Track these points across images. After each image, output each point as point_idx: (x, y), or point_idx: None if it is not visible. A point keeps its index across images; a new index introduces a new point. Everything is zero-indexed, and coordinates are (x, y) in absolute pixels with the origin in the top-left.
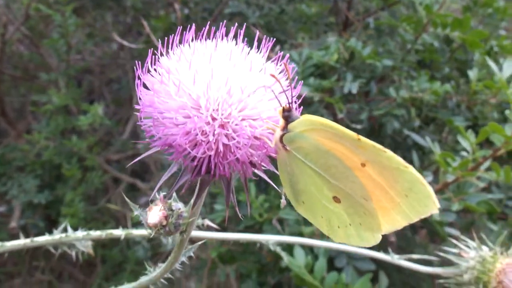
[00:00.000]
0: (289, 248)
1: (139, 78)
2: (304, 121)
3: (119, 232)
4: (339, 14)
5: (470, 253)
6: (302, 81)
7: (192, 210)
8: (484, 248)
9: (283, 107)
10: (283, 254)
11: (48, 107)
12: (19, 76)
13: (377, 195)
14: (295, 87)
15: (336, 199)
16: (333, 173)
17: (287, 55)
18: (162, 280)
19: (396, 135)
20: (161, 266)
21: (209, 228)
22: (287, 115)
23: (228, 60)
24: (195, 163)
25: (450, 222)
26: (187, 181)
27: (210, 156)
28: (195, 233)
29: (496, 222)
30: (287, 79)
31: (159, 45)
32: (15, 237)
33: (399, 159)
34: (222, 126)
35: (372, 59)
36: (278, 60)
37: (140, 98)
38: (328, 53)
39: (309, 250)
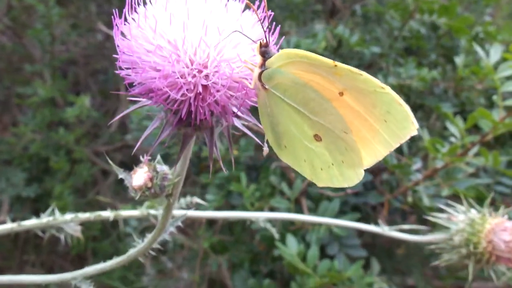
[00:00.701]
0: (281, 237)
1: (116, 26)
2: (281, 55)
3: (107, 214)
4: (326, 1)
5: (459, 217)
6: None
7: (175, 167)
8: (473, 211)
9: (260, 42)
10: (274, 231)
11: (34, 99)
12: (3, 68)
13: (357, 125)
14: (273, 31)
15: (317, 137)
16: (312, 108)
17: (263, 3)
18: (151, 251)
19: None
20: (149, 236)
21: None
22: (264, 51)
23: (204, 3)
24: (175, 107)
25: (439, 207)
26: (170, 133)
27: (190, 99)
28: (184, 212)
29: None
30: (263, 21)
31: None
32: None
33: (375, 80)
34: (200, 68)
35: (360, 47)
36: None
37: (118, 46)
38: (316, 41)
39: (301, 238)
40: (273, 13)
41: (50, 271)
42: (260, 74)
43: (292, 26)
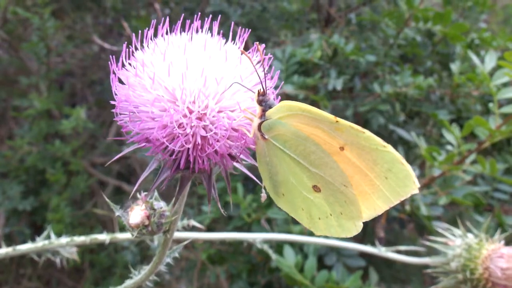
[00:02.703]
0: (278, 248)
1: (114, 73)
2: (282, 107)
3: (103, 237)
4: (320, 11)
5: (456, 241)
6: (284, 80)
7: (173, 208)
8: (470, 235)
9: (258, 91)
10: (271, 252)
11: (30, 111)
12: None
13: (357, 179)
14: (272, 77)
15: (316, 188)
16: (313, 160)
17: (263, 45)
18: (148, 283)
19: (382, 130)
20: (146, 268)
21: (195, 229)
22: (262, 99)
23: (203, 51)
24: (173, 157)
25: (437, 216)
26: (167, 177)
27: (188, 149)
28: (181, 234)
29: (483, 214)
30: (263, 69)
31: (133, 39)
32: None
33: (377, 139)
34: (199, 118)
35: (355, 55)
36: (254, 51)
37: (115, 93)
38: (311, 50)
39: (299, 249)
40: (272, 56)
41: (47, 284)
42: (259, 125)
43: (288, 36)
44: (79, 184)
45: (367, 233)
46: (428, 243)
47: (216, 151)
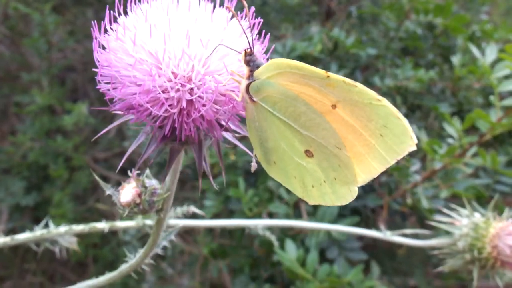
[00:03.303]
0: (280, 242)
1: (95, 38)
2: (270, 65)
3: (102, 225)
4: (321, 4)
5: (462, 221)
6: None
7: (163, 182)
8: (476, 214)
9: (245, 50)
10: (273, 239)
11: (32, 107)
12: (1, 77)
13: (351, 140)
14: (263, 39)
15: (308, 153)
16: (304, 122)
17: (252, 8)
18: (144, 267)
19: None
20: (141, 251)
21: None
22: (249, 59)
23: (188, 12)
24: (158, 124)
25: (439, 209)
26: (154, 148)
27: (174, 116)
28: (181, 221)
29: (485, 206)
30: (251, 31)
31: (116, 3)
32: None
33: (371, 92)
34: (184, 82)
35: (356, 48)
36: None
37: (97, 59)
38: (312, 43)
39: (301, 243)
40: (262, 20)
41: (51, 279)
42: (247, 86)
43: (288, 29)
44: (82, 179)
45: (369, 226)
46: (434, 223)
47: (202, 117)
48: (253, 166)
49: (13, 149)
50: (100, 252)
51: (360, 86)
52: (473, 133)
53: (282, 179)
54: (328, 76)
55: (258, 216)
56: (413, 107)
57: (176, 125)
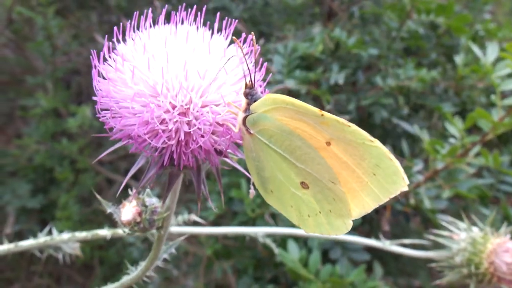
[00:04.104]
0: (283, 242)
1: (95, 67)
2: (266, 100)
3: (105, 232)
4: (323, 5)
5: (460, 235)
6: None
7: (163, 204)
8: (475, 229)
9: (246, 83)
10: (274, 246)
11: (37, 110)
12: (6, 81)
13: (345, 176)
14: (260, 69)
15: (304, 185)
16: (299, 156)
17: (250, 36)
18: (145, 279)
19: (386, 123)
20: (142, 265)
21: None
22: (249, 92)
23: (185, 44)
24: (157, 154)
25: (442, 209)
26: (154, 174)
27: (172, 147)
28: (183, 228)
29: (488, 206)
30: (252, 62)
31: (115, 32)
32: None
33: (364, 133)
34: (182, 113)
35: (357, 49)
36: (243, 43)
37: (96, 88)
38: (313, 44)
39: (303, 243)
40: (259, 48)
41: (58, 281)
42: (244, 119)
43: (291, 30)
44: (87, 182)
45: (373, 227)
46: (432, 237)
47: (201, 147)
48: (251, 193)
49: (19, 152)
50: (106, 254)
51: (353, 127)
52: (478, 133)
53: (279, 207)
54: (322, 115)
55: (261, 217)
56: (417, 106)
57: (174, 156)
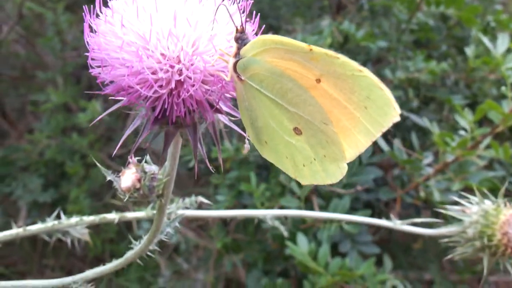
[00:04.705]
0: (292, 235)
1: (87, 23)
2: (256, 42)
3: (112, 216)
4: None
5: (472, 208)
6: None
7: (161, 167)
8: (487, 201)
9: (236, 28)
10: (283, 228)
11: (48, 105)
12: (17, 76)
13: (336, 114)
14: (253, 20)
15: (297, 131)
16: (290, 99)
17: None
18: (149, 253)
19: None
20: (145, 238)
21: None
22: (239, 37)
23: None
24: (148, 104)
25: (453, 202)
26: (148, 131)
27: (163, 97)
28: (191, 212)
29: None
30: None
31: None
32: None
33: (353, 63)
34: (173, 63)
35: (366, 41)
36: None
37: (87, 43)
38: (322, 37)
39: (312, 236)
40: (252, 0)
41: (70, 274)
42: (235, 64)
43: (300, 23)
44: (98, 176)
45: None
46: (443, 211)
47: (192, 97)
48: (246, 147)
49: (30, 147)
50: (117, 247)
51: (343, 58)
52: (489, 125)
53: (274, 158)
54: (311, 50)
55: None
56: (427, 99)
57: (166, 106)
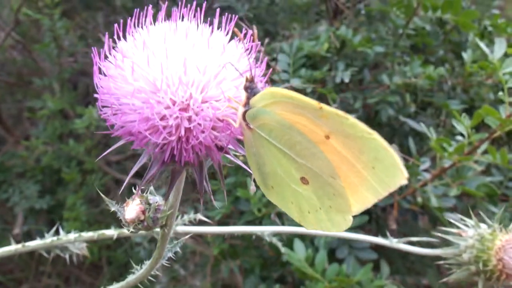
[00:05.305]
0: (289, 242)
1: (96, 65)
2: (265, 94)
3: (111, 232)
4: (329, 2)
5: (468, 232)
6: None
7: (166, 202)
8: (483, 225)
9: (246, 77)
10: (280, 245)
11: (44, 112)
12: (14, 82)
13: (344, 170)
14: (261, 61)
15: (304, 181)
16: (299, 151)
17: (250, 31)
18: (150, 278)
19: (393, 122)
20: (147, 264)
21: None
22: (248, 86)
23: (185, 40)
24: (158, 150)
25: (450, 207)
26: (156, 171)
27: (172, 143)
28: (189, 228)
29: (497, 204)
30: (252, 56)
31: (116, 28)
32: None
33: (362, 126)
34: (183, 109)
35: (363, 47)
36: (244, 39)
37: (97, 86)
38: (319, 43)
39: (310, 242)
40: (259, 43)
41: (67, 281)
42: (244, 113)
43: (296, 29)
44: (94, 182)
45: (380, 225)
46: (440, 234)
47: (201, 143)
48: (252, 189)
49: (26, 154)
50: (114, 254)
51: (352, 119)
52: (486, 130)
53: (280, 203)
54: (321, 108)
55: (267, 216)
56: (424, 104)
57: (175, 152)
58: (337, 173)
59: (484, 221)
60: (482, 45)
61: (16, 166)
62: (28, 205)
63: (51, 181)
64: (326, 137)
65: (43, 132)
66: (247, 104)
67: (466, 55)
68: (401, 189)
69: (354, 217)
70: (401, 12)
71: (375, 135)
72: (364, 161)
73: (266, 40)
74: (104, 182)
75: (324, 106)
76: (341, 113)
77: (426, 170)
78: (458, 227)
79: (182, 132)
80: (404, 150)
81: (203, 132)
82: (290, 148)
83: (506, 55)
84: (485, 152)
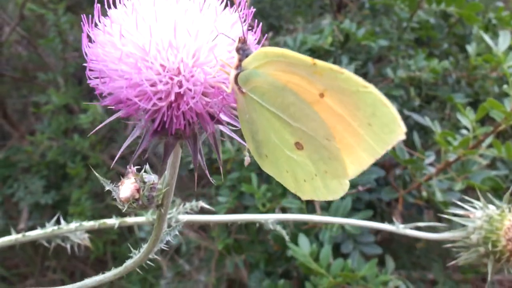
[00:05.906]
0: (294, 237)
1: (85, 33)
2: (258, 54)
3: (112, 221)
4: None
5: (476, 213)
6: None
7: (160, 178)
8: (491, 206)
9: (239, 38)
10: (284, 233)
11: (49, 107)
12: (19, 78)
13: (340, 130)
14: (255, 29)
15: (298, 146)
16: (293, 113)
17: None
18: (149, 262)
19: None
20: (144, 247)
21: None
22: (240, 47)
23: (176, 4)
24: (148, 117)
25: (454, 201)
26: (148, 143)
27: (163, 110)
28: (192, 216)
29: (502, 198)
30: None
31: None
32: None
33: (358, 79)
34: (173, 75)
35: (367, 40)
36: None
37: (85, 53)
38: (323, 36)
39: (314, 237)
40: (254, 10)
41: (72, 276)
42: (236, 76)
43: (301, 22)
44: (99, 178)
45: (385, 220)
46: (447, 216)
47: (192, 109)
48: (246, 160)
49: (32, 149)
50: (118, 249)
51: (347, 73)
52: (491, 124)
53: (275, 173)
54: (314, 64)
55: (272, 211)
56: (428, 98)
57: (165, 119)
58: (332, 134)
59: (492, 203)
60: (486, 38)
61: (21, 161)
62: (33, 200)
63: (56, 176)
64: (321, 95)
65: (48, 127)
66: (239, 66)
67: (471, 48)
68: (406, 183)
69: (358, 211)
70: (405, 5)
71: (371, 88)
72: (360, 118)
73: (270, 34)
74: (108, 177)
75: (318, 61)
76: (335, 67)
77: (431, 164)
78: (465, 209)
79: (172, 97)
80: (409, 144)
81: (193, 98)
82: (283, 110)
83: (510, 48)
84: (490, 145)
